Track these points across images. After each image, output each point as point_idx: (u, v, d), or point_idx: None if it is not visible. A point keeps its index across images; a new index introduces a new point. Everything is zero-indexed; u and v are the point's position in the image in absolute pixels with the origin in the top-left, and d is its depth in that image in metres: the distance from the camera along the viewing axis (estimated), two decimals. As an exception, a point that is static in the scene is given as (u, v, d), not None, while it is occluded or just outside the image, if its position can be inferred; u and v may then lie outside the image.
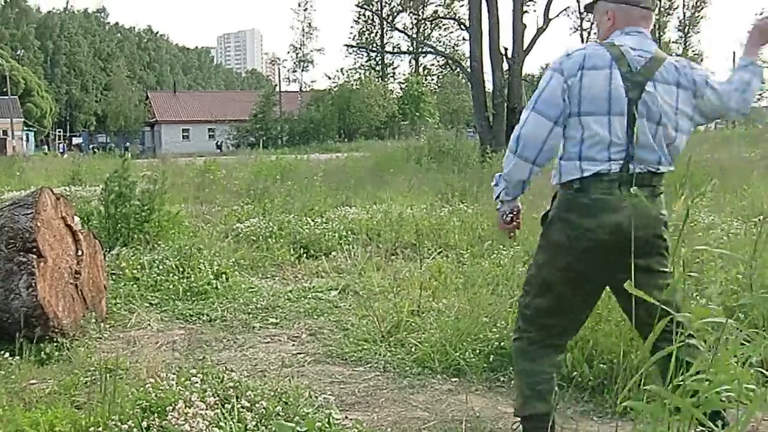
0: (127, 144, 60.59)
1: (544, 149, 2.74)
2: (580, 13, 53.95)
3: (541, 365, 2.89)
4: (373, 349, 4.60)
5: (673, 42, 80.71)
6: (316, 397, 3.70)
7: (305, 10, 71.77)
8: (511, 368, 4.10)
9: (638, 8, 2.88)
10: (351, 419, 3.46)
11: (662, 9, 76.82)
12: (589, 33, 56.94)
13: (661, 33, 79.23)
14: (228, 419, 3.11)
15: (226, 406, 3.25)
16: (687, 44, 79.30)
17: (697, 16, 75.05)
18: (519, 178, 2.85)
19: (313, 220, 8.75)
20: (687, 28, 77.50)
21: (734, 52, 54.75)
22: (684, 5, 72.58)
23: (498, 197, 2.98)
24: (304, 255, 7.63)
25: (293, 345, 4.89)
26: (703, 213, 7.21)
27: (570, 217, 2.73)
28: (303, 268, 7.25)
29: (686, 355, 2.43)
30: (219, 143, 60.00)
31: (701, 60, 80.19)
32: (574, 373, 3.83)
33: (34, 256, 4.54)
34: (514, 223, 3.02)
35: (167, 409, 3.18)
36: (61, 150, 54.28)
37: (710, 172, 10.77)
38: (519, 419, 3.00)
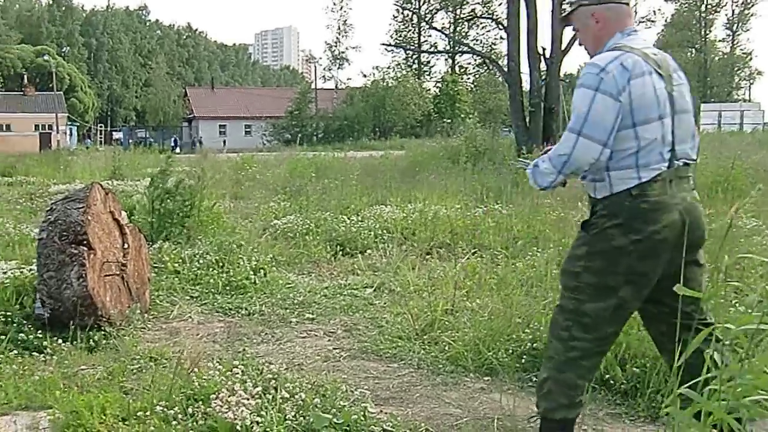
0: (175, 138, 61.48)
1: (591, 169, 2.76)
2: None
3: (585, 379, 2.89)
4: (408, 347, 4.70)
5: (719, 41, 76.99)
6: (352, 392, 3.82)
7: (341, 8, 71.98)
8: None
9: (625, 5, 2.89)
10: (386, 413, 3.56)
11: (709, 6, 74.37)
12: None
13: (708, 31, 76.35)
14: (269, 409, 3.24)
15: (266, 396, 3.38)
16: (735, 43, 76.22)
17: (747, 14, 72.54)
18: (558, 186, 2.91)
19: (348, 218, 8.86)
20: (736, 25, 74.82)
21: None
22: (733, 2, 70.38)
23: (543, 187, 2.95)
24: (340, 252, 7.76)
25: (329, 340, 5.02)
26: (746, 218, 7.12)
27: (632, 223, 2.71)
28: (339, 265, 7.38)
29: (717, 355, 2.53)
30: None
31: (750, 59, 77.38)
32: (607, 376, 3.90)
33: (85, 249, 4.75)
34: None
35: (210, 397, 3.33)
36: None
37: (754, 176, 10.66)
38: (540, 416, 3.03)
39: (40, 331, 4.62)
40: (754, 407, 2.07)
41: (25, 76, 70.49)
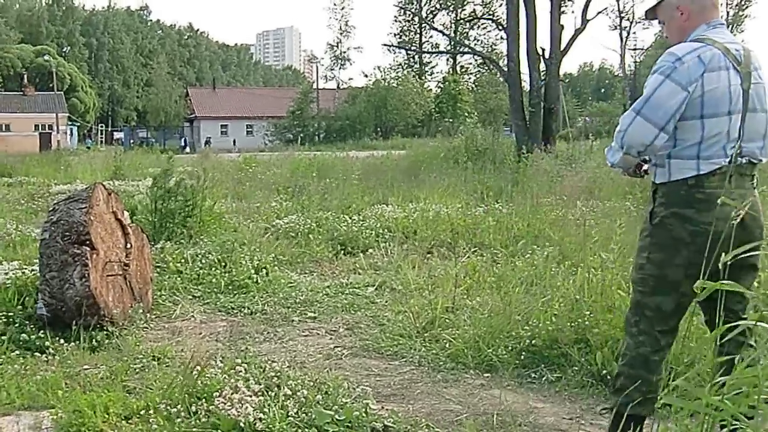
0: (185, 138, 61.45)
1: (648, 150, 2.78)
2: (620, 12, 53.34)
3: (657, 373, 2.90)
4: (409, 344, 4.74)
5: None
6: (354, 389, 3.84)
7: (342, 8, 71.99)
8: (542, 366, 4.23)
9: None
10: (387, 410, 3.60)
11: None
12: (628, 33, 56.25)
13: None
14: (271, 406, 3.27)
15: (269, 393, 3.42)
16: None
17: (742, 15, 73.32)
18: (629, 165, 2.92)
19: (350, 218, 8.90)
20: (731, 27, 76.03)
21: (779, 51, 53.95)
22: (728, 3, 71.07)
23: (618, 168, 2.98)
24: (342, 252, 7.80)
25: (331, 338, 5.06)
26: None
27: (687, 212, 2.75)
28: (341, 264, 7.42)
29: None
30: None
31: None
32: (604, 371, 3.94)
33: (88, 249, 4.78)
34: (644, 168, 3.01)
35: (213, 395, 3.36)
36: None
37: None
38: (612, 411, 3.01)
39: (42, 331, 4.62)
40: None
41: (25, 76, 70.23)
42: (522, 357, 4.30)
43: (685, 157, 2.77)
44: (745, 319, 2.77)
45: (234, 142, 57.98)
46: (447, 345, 4.61)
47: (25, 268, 5.55)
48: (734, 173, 2.75)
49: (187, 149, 53.08)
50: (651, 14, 3.09)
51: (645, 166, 2.99)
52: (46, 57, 69.93)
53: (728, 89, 2.73)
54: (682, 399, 2.02)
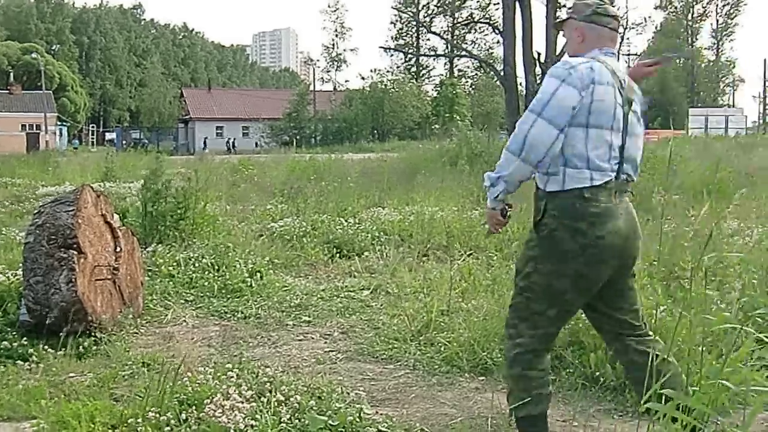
0: (205, 139, 60.29)
1: (548, 154, 2.77)
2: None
3: (536, 371, 2.96)
4: (404, 348, 4.69)
5: (705, 48, 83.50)
6: (348, 393, 3.80)
7: (335, 10, 71.95)
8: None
9: (607, 29, 3.00)
10: (381, 414, 3.55)
11: (695, 16, 78.71)
12: (622, 38, 56.67)
13: (694, 39, 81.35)
14: (263, 412, 3.20)
15: (261, 399, 3.35)
16: (720, 51, 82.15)
17: (731, 23, 75.68)
18: (520, 179, 2.89)
19: (346, 221, 8.83)
20: (720, 34, 78.99)
21: (765, 60, 55.15)
22: (717, 12, 72.92)
23: (497, 197, 2.98)
24: (337, 255, 7.73)
25: (326, 342, 4.99)
26: (729, 220, 7.35)
27: (580, 225, 2.78)
28: (336, 267, 7.34)
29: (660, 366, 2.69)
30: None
31: (733, 67, 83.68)
32: (597, 373, 3.95)
33: (75, 252, 4.65)
34: (506, 219, 3.08)
35: (204, 402, 3.28)
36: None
37: (738, 179, 10.86)
38: (514, 416, 3.04)
39: (25, 339, 4.47)
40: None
41: (11, 74, 68.74)
42: (517, 360, 4.24)
43: (580, 166, 2.80)
44: (636, 310, 3.00)
45: (256, 143, 57.59)
46: (442, 348, 4.56)
47: (8, 273, 5.39)
48: (618, 189, 2.85)
49: (206, 150, 52.18)
50: (559, 27, 3.23)
51: (509, 211, 3.03)
52: (34, 55, 68.04)
53: (613, 105, 2.82)
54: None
